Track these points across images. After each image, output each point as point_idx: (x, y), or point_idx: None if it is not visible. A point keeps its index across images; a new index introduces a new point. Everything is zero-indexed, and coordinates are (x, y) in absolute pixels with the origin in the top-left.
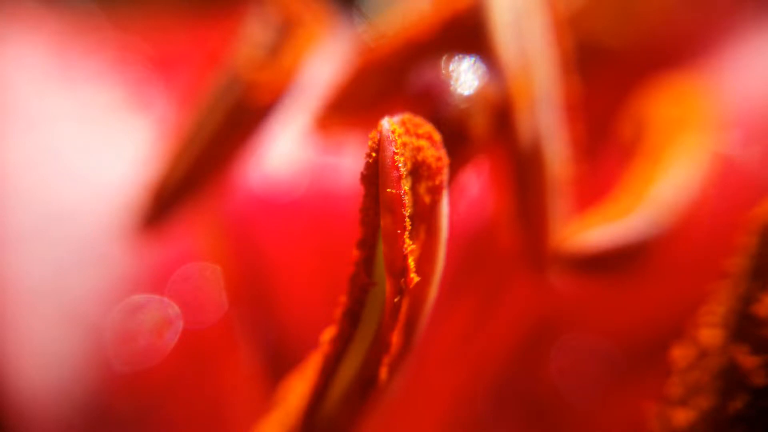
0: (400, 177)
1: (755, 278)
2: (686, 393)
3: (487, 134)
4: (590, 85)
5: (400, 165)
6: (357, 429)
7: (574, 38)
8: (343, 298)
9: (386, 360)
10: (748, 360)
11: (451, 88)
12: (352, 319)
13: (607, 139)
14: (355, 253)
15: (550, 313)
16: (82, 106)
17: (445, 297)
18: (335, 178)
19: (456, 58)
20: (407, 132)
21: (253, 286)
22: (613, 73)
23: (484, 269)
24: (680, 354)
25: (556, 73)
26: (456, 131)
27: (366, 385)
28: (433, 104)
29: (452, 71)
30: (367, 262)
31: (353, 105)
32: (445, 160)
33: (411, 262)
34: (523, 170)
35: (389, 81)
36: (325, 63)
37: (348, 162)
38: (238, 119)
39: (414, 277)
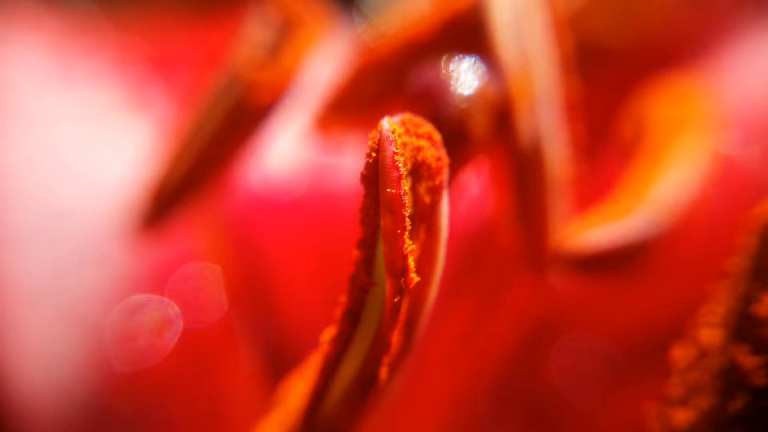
0: (400, 177)
1: (755, 278)
2: (686, 393)
3: (487, 134)
4: (590, 85)
5: (400, 165)
6: (357, 429)
7: (574, 38)
8: (343, 298)
9: (386, 360)
10: (748, 360)
11: (451, 88)
12: (352, 319)
13: (607, 139)
14: (355, 253)
15: (550, 313)
16: (82, 106)
17: (445, 297)
18: (335, 178)
19: (456, 58)
20: (407, 132)
21: (253, 286)
22: (613, 73)
23: (484, 269)
24: (680, 354)
25: (556, 73)
26: (456, 131)
27: (366, 385)
28: (433, 104)
29: (452, 71)
30: (367, 262)
31: (353, 105)
32: (445, 160)
33: (411, 262)
34: (523, 170)
35: (389, 81)
36: (325, 63)
37: (348, 162)
38: (238, 119)
39: (414, 277)
